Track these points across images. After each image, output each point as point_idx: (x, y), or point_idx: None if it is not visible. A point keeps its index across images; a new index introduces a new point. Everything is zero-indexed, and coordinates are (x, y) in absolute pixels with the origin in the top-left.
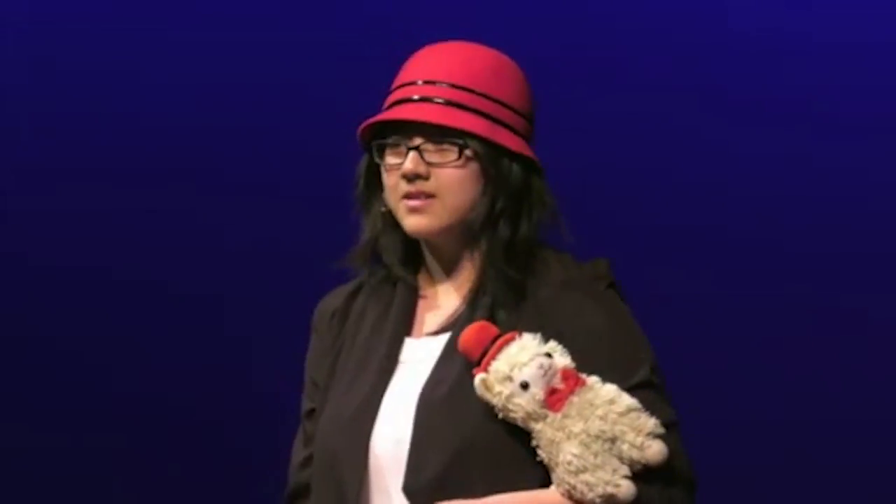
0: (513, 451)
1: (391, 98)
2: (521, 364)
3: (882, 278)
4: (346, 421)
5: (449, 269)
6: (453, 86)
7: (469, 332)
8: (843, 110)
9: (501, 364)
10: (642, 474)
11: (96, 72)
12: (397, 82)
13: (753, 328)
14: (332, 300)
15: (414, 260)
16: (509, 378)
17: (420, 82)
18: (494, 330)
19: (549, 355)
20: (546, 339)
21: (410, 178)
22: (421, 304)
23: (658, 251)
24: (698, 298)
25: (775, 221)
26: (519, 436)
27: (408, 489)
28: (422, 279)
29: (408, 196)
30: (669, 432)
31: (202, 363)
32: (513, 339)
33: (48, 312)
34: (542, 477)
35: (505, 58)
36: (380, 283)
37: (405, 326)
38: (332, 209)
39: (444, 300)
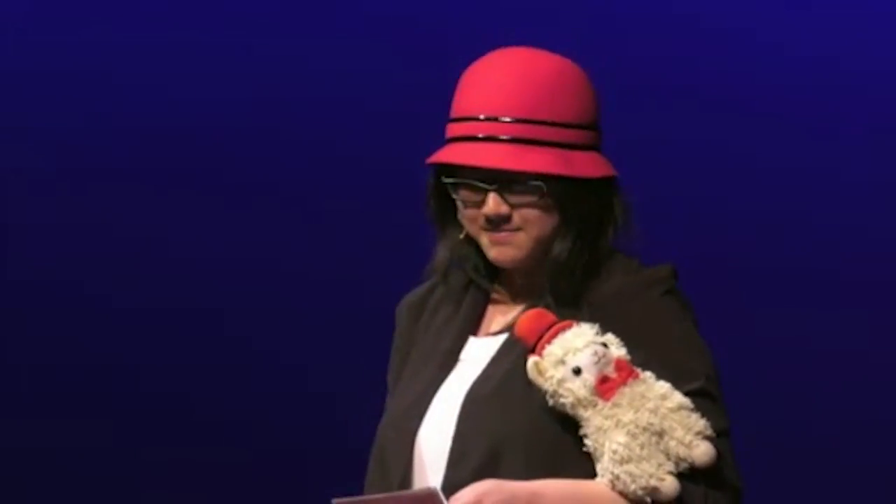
0: (552, 448)
1: (453, 131)
2: (576, 349)
3: (884, 279)
4: (398, 416)
5: (523, 276)
6: (517, 120)
7: (526, 318)
8: (844, 111)
9: (556, 348)
10: (687, 474)
11: (97, 72)
12: (457, 111)
13: (752, 329)
14: (410, 297)
15: (491, 265)
16: (562, 362)
17: (482, 117)
18: (551, 317)
19: (605, 345)
20: None
21: (494, 220)
22: (491, 305)
23: (657, 253)
24: (696, 299)
25: (775, 222)
26: (559, 433)
27: (446, 488)
28: (497, 282)
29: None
30: (720, 438)
31: (202, 363)
32: (569, 325)
33: (48, 312)
34: (582, 475)
35: (564, 65)
36: (456, 283)
37: (471, 326)
38: (331, 210)
39: (513, 303)
